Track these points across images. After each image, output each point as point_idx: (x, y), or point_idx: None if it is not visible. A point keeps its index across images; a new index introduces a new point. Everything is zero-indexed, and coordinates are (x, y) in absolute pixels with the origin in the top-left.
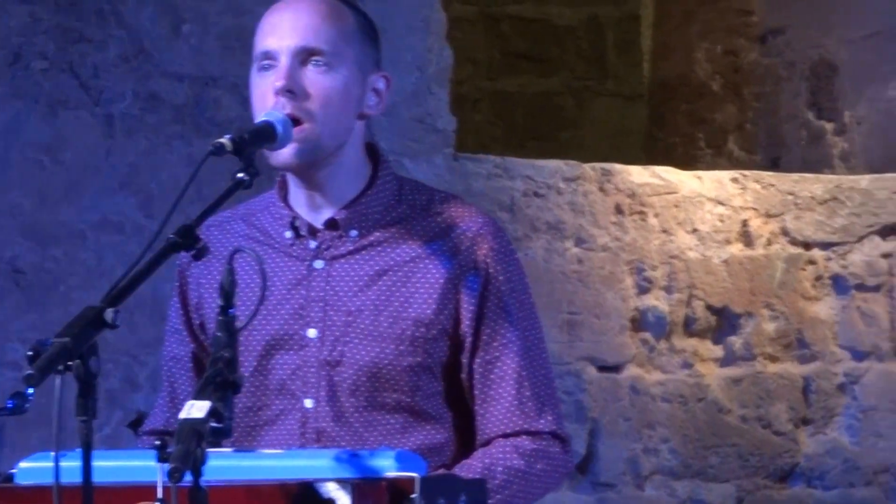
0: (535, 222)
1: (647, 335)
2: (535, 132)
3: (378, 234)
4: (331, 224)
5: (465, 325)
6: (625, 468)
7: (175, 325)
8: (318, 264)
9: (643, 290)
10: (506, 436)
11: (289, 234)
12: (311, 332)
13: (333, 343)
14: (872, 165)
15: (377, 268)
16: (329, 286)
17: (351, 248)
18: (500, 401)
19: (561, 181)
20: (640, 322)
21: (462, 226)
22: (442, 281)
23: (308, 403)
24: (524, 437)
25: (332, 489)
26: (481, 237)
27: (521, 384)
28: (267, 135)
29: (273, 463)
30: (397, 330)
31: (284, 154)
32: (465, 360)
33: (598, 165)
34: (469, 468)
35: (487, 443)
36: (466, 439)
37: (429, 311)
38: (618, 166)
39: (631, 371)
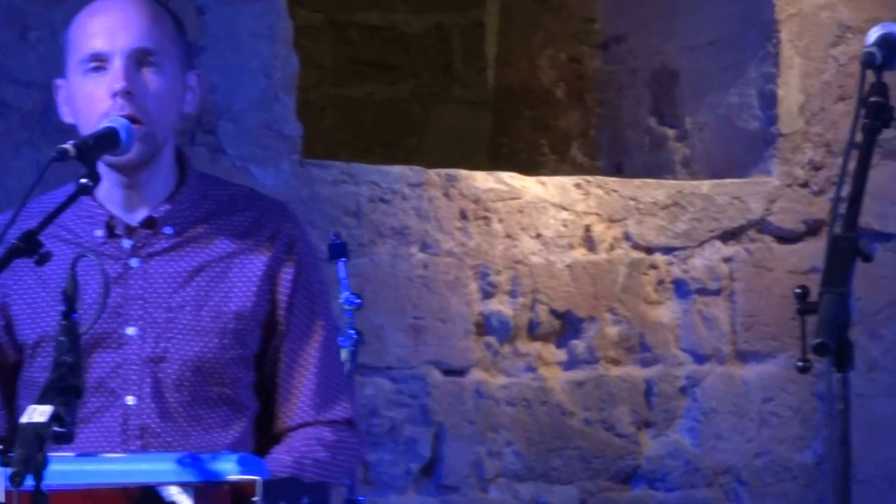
0: (381, 228)
1: (492, 339)
2: (383, 139)
3: (192, 230)
4: (147, 222)
5: (277, 315)
6: (469, 471)
7: None
8: (134, 262)
9: (487, 295)
10: (307, 424)
11: (99, 232)
12: (130, 330)
13: (156, 340)
14: (713, 171)
15: (194, 264)
16: (147, 284)
17: (167, 245)
18: (304, 390)
19: (406, 187)
20: (484, 326)
21: (271, 220)
22: (259, 274)
23: (130, 400)
24: (325, 427)
25: (174, 493)
26: (289, 231)
27: (323, 374)
28: (111, 141)
29: (115, 467)
30: (220, 324)
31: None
32: (273, 349)
33: (442, 171)
34: (279, 462)
35: (288, 430)
36: (260, 427)
37: (249, 304)
38: (462, 172)
39: (475, 375)
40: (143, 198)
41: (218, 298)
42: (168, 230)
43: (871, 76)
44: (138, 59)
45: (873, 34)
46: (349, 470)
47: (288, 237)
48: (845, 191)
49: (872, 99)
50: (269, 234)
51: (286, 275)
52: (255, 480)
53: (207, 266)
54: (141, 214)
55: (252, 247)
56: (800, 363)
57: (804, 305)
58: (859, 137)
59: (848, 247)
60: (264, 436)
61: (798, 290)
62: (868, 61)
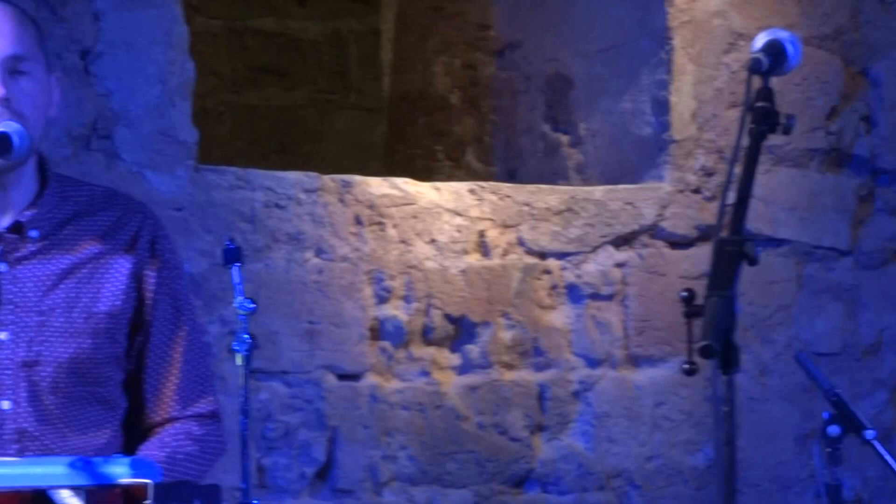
0: (276, 233)
1: (386, 344)
2: (279, 145)
3: (58, 233)
4: (14, 227)
5: (143, 313)
6: (364, 475)
7: None
8: (2, 268)
9: (382, 300)
10: (174, 419)
11: None
12: (2, 335)
13: (28, 344)
14: (606, 177)
15: (63, 266)
16: (17, 288)
17: (34, 249)
18: (170, 386)
19: (301, 192)
20: (378, 331)
21: (133, 218)
22: (126, 273)
23: (5, 405)
24: (192, 421)
25: (66, 496)
26: (151, 229)
27: (188, 369)
28: (4, 146)
29: (7, 471)
30: (92, 325)
31: None
32: (138, 347)
33: (337, 177)
34: (152, 458)
35: (155, 426)
36: (124, 424)
37: (119, 304)
38: (357, 178)
39: (370, 379)
40: (8, 203)
41: (88, 299)
42: (34, 234)
43: (757, 82)
44: (11, 66)
45: (760, 40)
46: (216, 461)
47: (150, 235)
48: (734, 196)
49: (759, 104)
50: (131, 232)
51: (150, 273)
52: (146, 484)
53: (75, 268)
54: (7, 220)
55: (117, 246)
56: (686, 366)
57: (690, 308)
58: (747, 142)
59: (734, 250)
60: (129, 432)
61: (684, 294)
62: (754, 67)
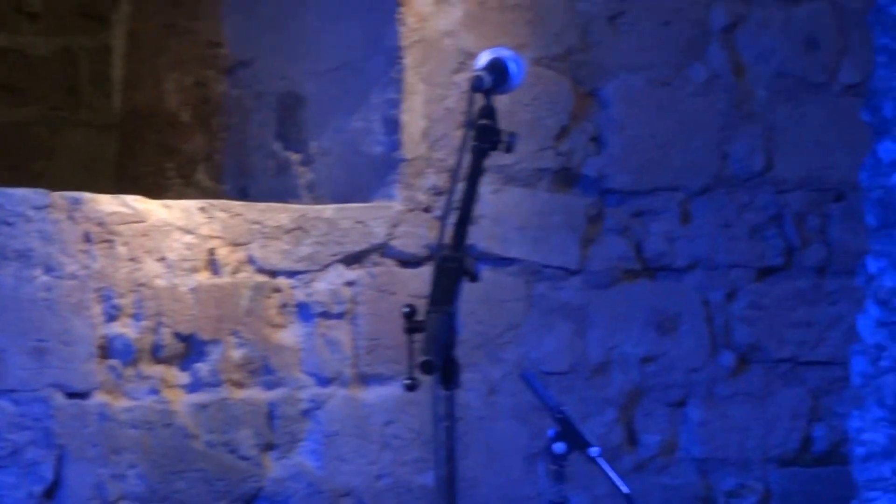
0: (4, 250)
1: (115, 362)
2: (9, 162)
3: None
4: None
5: None
6: (92, 494)
7: None
8: None
9: (111, 318)
10: None
11: None
12: None
13: None
14: (337, 195)
15: None
16: None
17: None
18: None
19: (30, 209)
20: (107, 349)
21: None
22: None
23: None
24: None
25: None
26: None
27: None
28: None
29: None
30: None
31: None
32: None
33: (67, 194)
34: None
35: None
36: None
37: None
38: (87, 195)
39: (98, 398)
40: None
41: None
42: None
43: (480, 100)
44: None
45: (483, 58)
46: None
47: None
48: (457, 213)
49: (480, 122)
50: None
51: None
52: None
53: None
54: None
55: None
56: (407, 381)
57: (411, 324)
58: (469, 160)
59: (454, 266)
60: None
61: (405, 309)
62: (476, 85)
